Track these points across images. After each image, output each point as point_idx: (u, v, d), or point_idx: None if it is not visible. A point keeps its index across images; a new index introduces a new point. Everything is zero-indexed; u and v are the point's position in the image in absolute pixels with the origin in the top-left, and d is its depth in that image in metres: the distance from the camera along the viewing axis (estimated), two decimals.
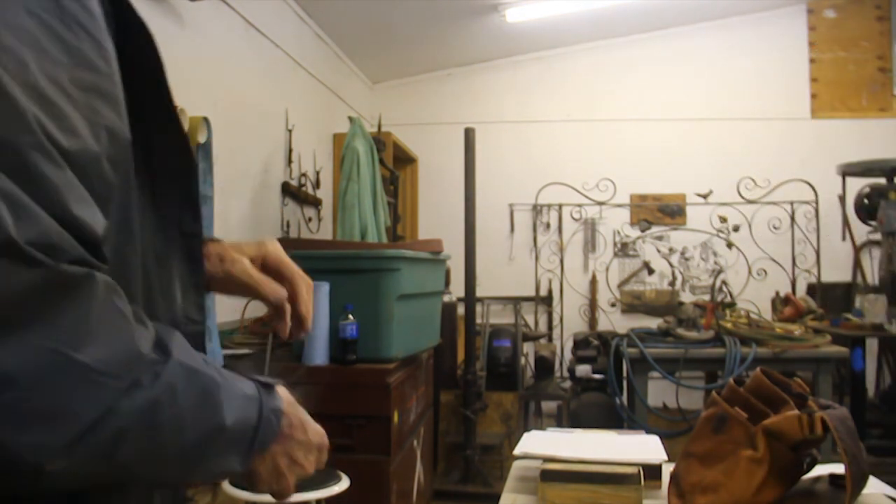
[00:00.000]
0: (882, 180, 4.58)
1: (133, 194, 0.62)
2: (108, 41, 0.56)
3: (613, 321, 5.38)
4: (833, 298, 4.76)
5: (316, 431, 0.75)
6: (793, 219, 5.34)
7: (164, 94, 0.67)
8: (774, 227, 5.35)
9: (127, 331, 0.53)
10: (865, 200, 4.64)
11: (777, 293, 4.41)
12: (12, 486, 0.50)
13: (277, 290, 0.83)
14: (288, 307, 0.83)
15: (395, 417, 2.59)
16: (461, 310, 4.24)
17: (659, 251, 5.60)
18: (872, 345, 4.57)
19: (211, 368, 0.61)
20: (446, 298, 4.03)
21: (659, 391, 4.10)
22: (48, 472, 0.48)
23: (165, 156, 0.69)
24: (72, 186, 0.49)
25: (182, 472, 0.61)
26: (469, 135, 3.96)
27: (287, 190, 3.91)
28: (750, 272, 5.33)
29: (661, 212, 5.65)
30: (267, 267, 0.84)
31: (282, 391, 0.72)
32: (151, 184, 0.68)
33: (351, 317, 2.54)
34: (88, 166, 0.52)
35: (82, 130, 0.51)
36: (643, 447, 1.37)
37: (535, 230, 5.70)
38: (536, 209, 5.67)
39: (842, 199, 4.97)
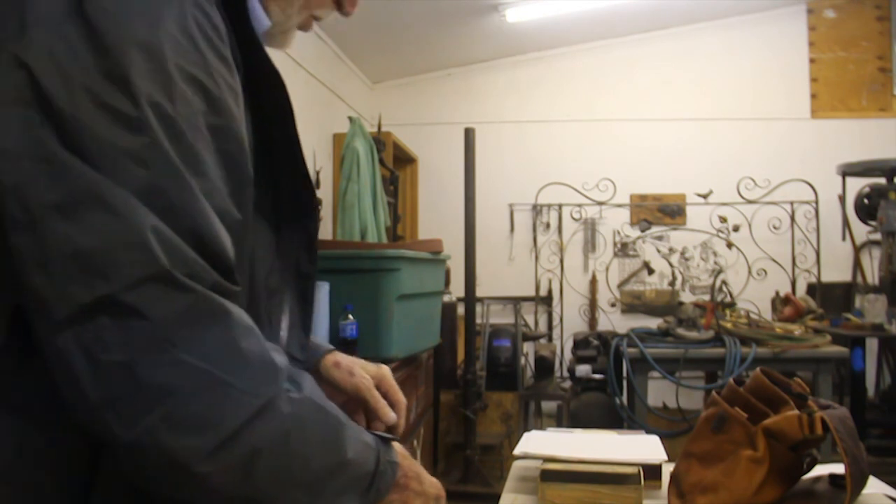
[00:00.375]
0: (882, 180, 4.58)
1: (249, 228, 0.67)
2: (240, 90, 0.64)
3: (613, 321, 5.38)
4: (833, 298, 4.76)
5: (432, 483, 0.82)
6: (793, 219, 5.34)
7: (292, 138, 0.73)
8: (774, 227, 5.35)
9: (267, 358, 0.60)
10: (865, 200, 4.64)
11: (777, 293, 4.41)
12: (163, 486, 0.58)
13: (389, 415, 0.93)
14: (392, 427, 0.93)
15: None
16: (461, 310, 4.24)
17: (659, 251, 5.60)
18: (872, 345, 4.57)
19: (335, 409, 0.67)
20: (446, 298, 4.03)
21: (659, 391, 4.11)
22: (195, 474, 0.56)
23: (290, 197, 0.76)
24: (211, 221, 0.58)
25: (306, 502, 0.65)
26: (469, 135, 3.96)
27: None
28: (750, 272, 5.33)
29: (661, 212, 5.65)
30: (380, 388, 0.95)
31: (397, 446, 0.79)
32: (277, 222, 0.76)
33: (351, 317, 2.54)
34: (220, 205, 0.60)
35: (213, 172, 0.59)
36: (643, 447, 1.37)
37: (535, 230, 5.69)
38: (536, 209, 5.67)
39: (842, 199, 4.97)
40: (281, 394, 0.60)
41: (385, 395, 0.95)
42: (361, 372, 0.95)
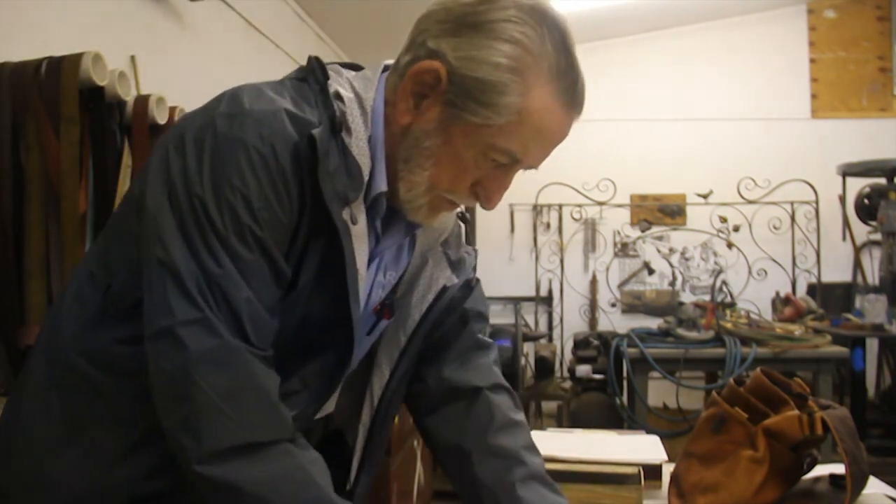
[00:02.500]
0: (882, 180, 4.58)
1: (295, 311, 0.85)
2: (287, 217, 0.80)
3: (613, 321, 5.38)
4: (833, 298, 4.76)
5: None
6: (793, 219, 5.33)
7: (343, 283, 0.83)
8: (774, 228, 5.34)
9: (274, 407, 0.77)
10: (865, 200, 4.64)
11: (777, 293, 4.41)
12: (170, 472, 0.78)
13: None
14: None
15: (395, 417, 2.59)
16: None
17: (659, 251, 5.60)
18: (872, 345, 4.56)
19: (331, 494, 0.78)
20: None
21: (659, 391, 4.10)
22: (190, 471, 0.73)
23: (331, 333, 0.87)
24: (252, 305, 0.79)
25: None
26: None
27: None
28: (750, 272, 5.33)
29: (662, 212, 5.65)
30: None
31: None
32: (312, 347, 0.89)
33: None
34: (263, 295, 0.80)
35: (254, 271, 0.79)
36: (643, 447, 1.37)
37: (535, 230, 5.69)
38: (536, 209, 5.66)
39: (842, 199, 4.97)
40: (277, 443, 0.76)
41: None
42: None
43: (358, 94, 0.86)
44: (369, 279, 0.91)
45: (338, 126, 0.81)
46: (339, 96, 0.84)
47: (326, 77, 0.86)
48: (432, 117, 0.83)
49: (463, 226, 1.06)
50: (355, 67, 0.91)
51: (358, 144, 0.82)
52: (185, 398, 0.74)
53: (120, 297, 0.83)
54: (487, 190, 0.86)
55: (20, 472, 0.85)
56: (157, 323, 0.76)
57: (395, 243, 0.93)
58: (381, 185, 0.85)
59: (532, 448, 1.02)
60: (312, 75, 0.86)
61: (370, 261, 0.90)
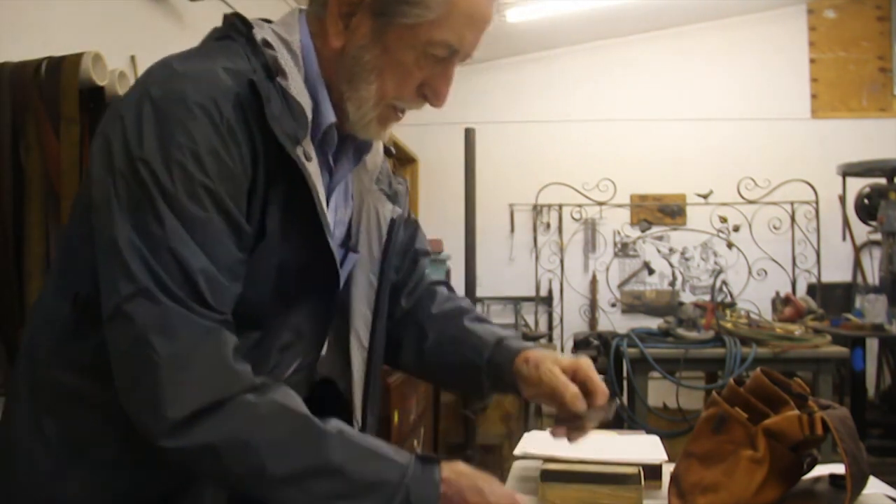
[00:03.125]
0: (882, 180, 4.58)
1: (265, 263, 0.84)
2: (242, 169, 0.79)
3: (613, 321, 5.37)
4: (833, 298, 4.75)
5: (500, 494, 0.81)
6: (793, 219, 5.33)
7: (314, 219, 0.83)
8: (774, 228, 5.34)
9: (225, 367, 0.75)
10: (865, 200, 4.64)
11: (777, 293, 4.41)
12: (145, 443, 0.74)
13: (577, 400, 0.94)
14: (579, 418, 0.96)
15: (395, 417, 2.59)
16: None
17: (659, 251, 5.60)
18: (873, 345, 4.56)
19: (312, 419, 0.76)
20: None
21: (659, 391, 4.10)
22: (161, 448, 0.73)
23: (310, 275, 0.88)
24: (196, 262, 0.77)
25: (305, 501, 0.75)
26: (469, 135, 3.95)
27: None
28: (750, 272, 5.33)
29: (662, 212, 5.65)
30: (576, 378, 0.97)
31: (447, 464, 0.81)
32: (295, 295, 0.88)
33: None
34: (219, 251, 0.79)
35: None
36: (643, 447, 1.37)
37: (535, 230, 5.69)
38: (536, 209, 5.66)
39: (842, 199, 4.97)
40: (234, 397, 0.74)
41: (584, 385, 0.96)
42: (550, 365, 0.97)
43: (283, 38, 0.86)
44: (331, 216, 0.93)
45: (273, 71, 0.81)
46: (267, 44, 0.84)
47: (250, 28, 0.86)
48: (364, 32, 0.84)
49: (388, 161, 1.09)
50: (270, 22, 0.91)
51: (295, 86, 0.83)
52: (141, 375, 0.73)
53: (91, 302, 0.80)
54: (434, 87, 0.89)
55: None
56: (108, 306, 0.75)
57: (345, 175, 0.96)
58: (330, 117, 0.87)
59: (475, 311, 1.12)
60: (234, 30, 0.86)
61: (327, 199, 0.92)
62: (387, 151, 1.05)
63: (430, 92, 0.90)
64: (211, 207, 0.76)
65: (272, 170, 0.81)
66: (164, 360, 0.72)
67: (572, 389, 0.95)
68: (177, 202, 0.75)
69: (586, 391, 0.96)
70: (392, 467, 0.77)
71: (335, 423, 0.78)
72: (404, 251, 1.10)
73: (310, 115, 0.84)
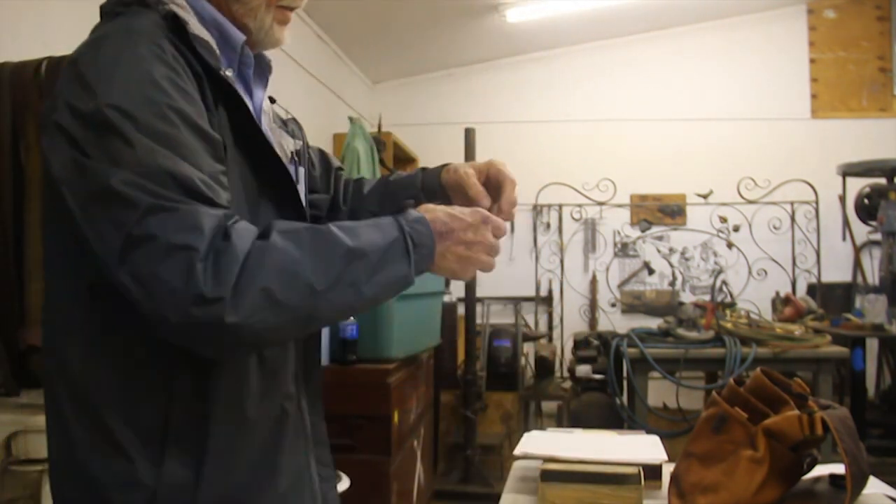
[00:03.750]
0: (882, 180, 4.58)
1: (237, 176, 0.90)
2: (196, 93, 0.85)
3: (613, 321, 5.38)
4: (833, 298, 4.75)
5: (465, 213, 0.91)
6: (793, 219, 5.33)
7: (255, 132, 0.92)
8: (774, 228, 5.34)
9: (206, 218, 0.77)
10: (865, 200, 4.64)
11: (777, 293, 4.41)
12: (213, 351, 0.79)
13: (480, 195, 1.05)
14: (487, 208, 1.03)
15: (395, 417, 2.59)
16: (461, 310, 4.24)
17: (659, 251, 5.60)
18: (872, 345, 4.56)
19: (314, 228, 0.82)
20: (446, 298, 4.03)
21: (659, 391, 4.10)
22: (227, 324, 0.73)
23: (269, 182, 0.94)
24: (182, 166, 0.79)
25: (349, 295, 0.80)
26: (469, 135, 3.96)
27: None
28: (750, 272, 5.32)
29: (662, 212, 5.65)
30: (490, 175, 1.07)
31: (419, 209, 0.90)
32: (264, 211, 0.93)
33: (351, 317, 2.55)
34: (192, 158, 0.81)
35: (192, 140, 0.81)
36: (643, 447, 1.37)
37: (535, 230, 5.69)
38: (536, 209, 5.66)
39: (842, 199, 4.97)
40: (257, 246, 0.77)
41: (496, 180, 1.06)
42: (465, 169, 1.08)
43: (167, 2, 0.91)
44: (269, 136, 0.98)
45: (179, 22, 0.88)
46: (157, 2, 0.90)
47: None
48: None
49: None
50: None
51: (197, 29, 0.89)
52: (188, 274, 0.73)
53: (108, 283, 0.80)
54: None
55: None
56: (114, 246, 0.75)
57: (262, 99, 1.03)
58: (239, 37, 0.95)
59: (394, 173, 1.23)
60: (120, 4, 0.91)
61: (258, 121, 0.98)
62: (270, 99, 1.11)
63: None
64: (181, 125, 0.79)
65: (212, 91, 0.87)
66: (204, 250, 0.74)
67: (477, 186, 1.05)
68: (149, 126, 0.77)
69: (497, 184, 1.06)
70: (389, 226, 0.85)
71: (324, 224, 0.83)
72: (326, 172, 1.21)
73: (216, 49, 0.91)
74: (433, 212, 0.90)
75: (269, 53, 1.05)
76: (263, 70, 1.03)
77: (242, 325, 0.74)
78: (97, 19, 0.95)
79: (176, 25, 0.87)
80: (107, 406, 0.84)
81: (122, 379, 0.84)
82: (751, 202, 5.27)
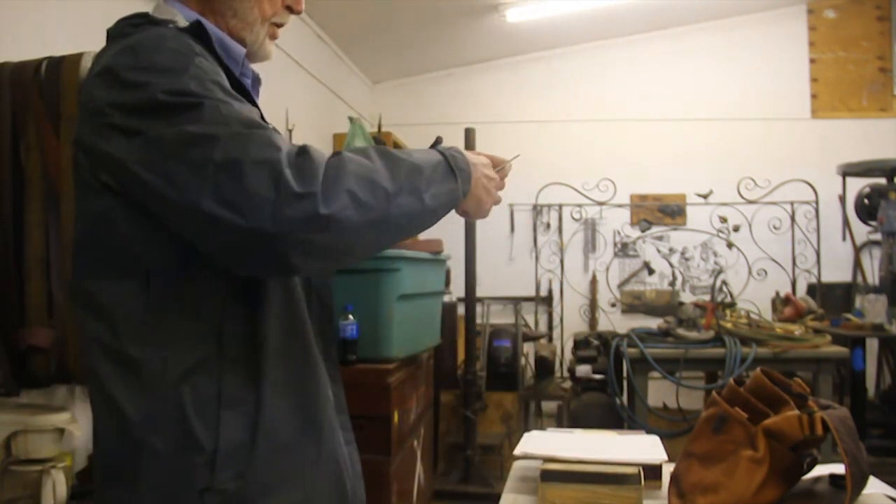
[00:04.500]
0: (882, 180, 4.58)
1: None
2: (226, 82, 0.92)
3: (613, 321, 5.37)
4: (833, 298, 4.75)
5: (480, 155, 1.06)
6: (793, 219, 5.33)
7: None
8: (774, 228, 5.34)
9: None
10: (865, 200, 4.64)
11: (777, 293, 4.41)
12: (326, 243, 0.82)
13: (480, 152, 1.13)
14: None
15: (395, 417, 2.59)
16: (461, 310, 4.24)
17: (659, 251, 5.60)
18: (872, 345, 4.56)
19: (377, 148, 0.90)
20: (446, 298, 4.03)
21: (659, 391, 4.10)
22: (322, 215, 0.79)
23: None
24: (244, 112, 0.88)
25: (414, 202, 0.89)
26: (469, 135, 3.96)
27: None
28: (750, 272, 5.32)
29: (662, 212, 5.65)
30: None
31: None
32: None
33: (351, 317, 2.54)
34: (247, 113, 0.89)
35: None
36: (643, 447, 1.37)
37: (535, 230, 5.69)
38: (536, 209, 5.66)
39: (842, 199, 4.97)
40: (334, 157, 0.85)
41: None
42: None
43: (173, 20, 0.99)
44: None
45: (203, 29, 0.96)
46: (167, 21, 0.97)
47: (150, 17, 0.99)
48: None
49: None
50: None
51: (218, 38, 0.99)
52: (276, 180, 0.78)
53: (168, 270, 0.88)
54: None
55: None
56: (202, 174, 0.80)
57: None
58: (241, 50, 1.03)
59: None
60: (132, 26, 0.97)
61: None
62: None
63: (293, 2, 1.07)
64: (226, 96, 0.87)
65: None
66: (285, 160, 0.80)
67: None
68: (202, 91, 0.84)
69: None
70: (432, 152, 0.97)
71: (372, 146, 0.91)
72: None
73: (237, 57, 1.01)
74: (455, 145, 1.02)
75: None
76: (255, 83, 1.10)
77: (334, 218, 0.80)
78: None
79: (200, 32, 0.94)
80: (159, 378, 0.88)
81: (176, 353, 0.88)
82: (751, 202, 5.27)
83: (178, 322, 0.89)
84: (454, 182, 0.95)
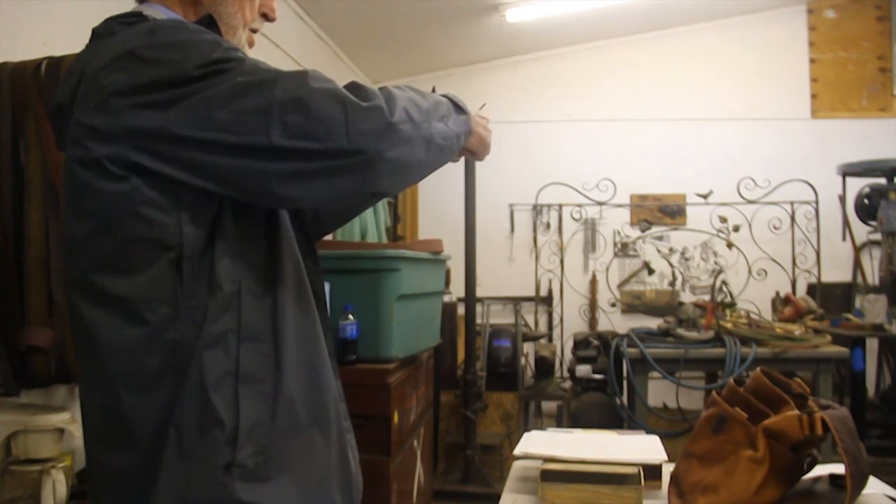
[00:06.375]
0: (882, 180, 4.58)
1: None
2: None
3: (613, 321, 5.38)
4: (833, 298, 4.76)
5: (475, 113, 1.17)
6: (793, 219, 5.33)
7: None
8: (774, 228, 5.34)
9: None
10: (865, 200, 4.64)
11: (777, 293, 4.41)
12: (390, 154, 0.91)
13: None
14: None
15: (395, 417, 2.59)
16: (461, 310, 4.23)
17: (659, 251, 5.60)
18: (872, 345, 4.57)
19: (406, 88, 1.00)
20: (446, 298, 4.03)
21: (659, 391, 4.10)
22: (390, 123, 0.90)
23: None
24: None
25: (443, 126, 1.01)
26: None
27: None
28: (750, 272, 5.32)
29: (661, 212, 5.65)
30: None
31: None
32: None
33: (351, 317, 2.54)
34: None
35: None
36: (643, 447, 1.37)
37: (535, 230, 5.69)
38: (536, 209, 5.66)
39: (842, 199, 4.97)
40: (383, 92, 0.94)
41: None
42: None
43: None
44: None
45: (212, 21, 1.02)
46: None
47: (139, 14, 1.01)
48: None
49: None
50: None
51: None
52: (346, 110, 0.86)
53: (190, 252, 0.89)
54: (269, 5, 1.12)
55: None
56: (264, 129, 0.85)
57: None
58: None
59: None
60: (124, 24, 0.99)
61: None
62: None
63: (268, 10, 1.12)
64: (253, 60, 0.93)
65: None
66: (347, 93, 0.88)
67: None
68: (237, 54, 0.90)
69: None
70: (437, 95, 1.06)
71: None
72: None
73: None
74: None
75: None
76: None
77: (396, 127, 0.89)
78: (97, 20, 0.96)
79: (210, 26, 0.98)
80: (182, 355, 0.89)
81: (196, 331, 0.90)
82: (751, 202, 5.27)
83: (200, 300, 0.90)
84: (464, 114, 1.08)
